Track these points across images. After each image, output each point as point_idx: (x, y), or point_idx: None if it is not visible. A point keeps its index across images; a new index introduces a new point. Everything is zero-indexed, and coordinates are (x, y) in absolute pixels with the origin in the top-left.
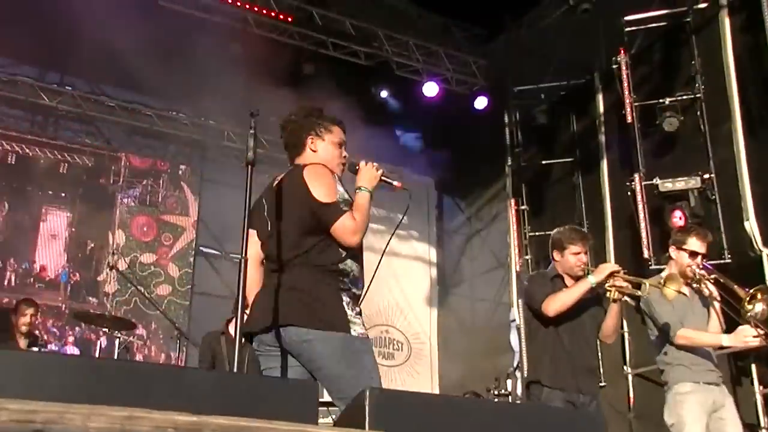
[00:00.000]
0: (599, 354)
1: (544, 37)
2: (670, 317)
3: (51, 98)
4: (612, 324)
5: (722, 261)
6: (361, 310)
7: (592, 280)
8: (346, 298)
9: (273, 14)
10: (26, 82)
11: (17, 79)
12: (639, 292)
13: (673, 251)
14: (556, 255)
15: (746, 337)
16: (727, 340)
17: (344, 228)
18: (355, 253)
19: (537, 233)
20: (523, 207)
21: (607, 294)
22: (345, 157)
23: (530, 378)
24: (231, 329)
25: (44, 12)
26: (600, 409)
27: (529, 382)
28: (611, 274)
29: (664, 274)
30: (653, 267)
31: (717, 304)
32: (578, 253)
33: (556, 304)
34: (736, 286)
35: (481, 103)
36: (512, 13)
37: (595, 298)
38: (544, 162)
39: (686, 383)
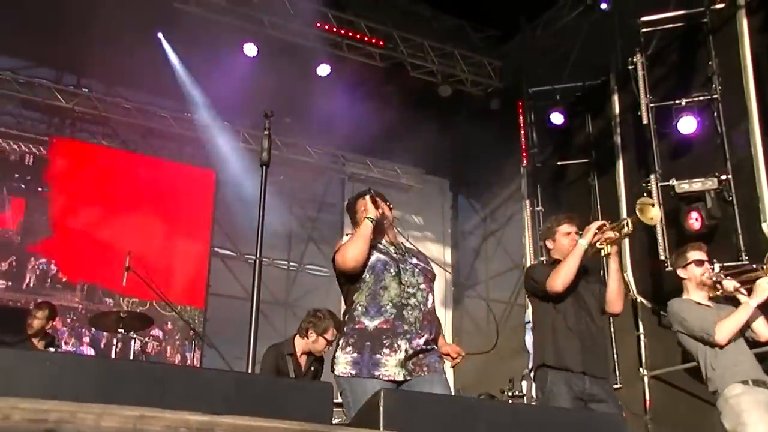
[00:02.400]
0: (612, 343)
1: (559, 38)
2: (702, 320)
3: (68, 100)
4: (614, 287)
5: (740, 263)
6: (356, 341)
7: (583, 242)
8: (342, 342)
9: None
10: (43, 84)
11: (35, 81)
12: (625, 230)
13: (681, 272)
14: (549, 244)
15: (763, 288)
16: (753, 300)
17: (337, 254)
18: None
19: None
20: (538, 208)
21: (602, 251)
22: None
23: (536, 363)
24: (298, 348)
25: (61, 15)
26: (620, 407)
27: (536, 368)
28: (598, 230)
29: (684, 296)
30: (669, 269)
31: (744, 290)
32: (568, 233)
33: (559, 277)
34: (751, 273)
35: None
36: (527, 14)
37: (595, 278)
38: (559, 163)
39: (735, 385)
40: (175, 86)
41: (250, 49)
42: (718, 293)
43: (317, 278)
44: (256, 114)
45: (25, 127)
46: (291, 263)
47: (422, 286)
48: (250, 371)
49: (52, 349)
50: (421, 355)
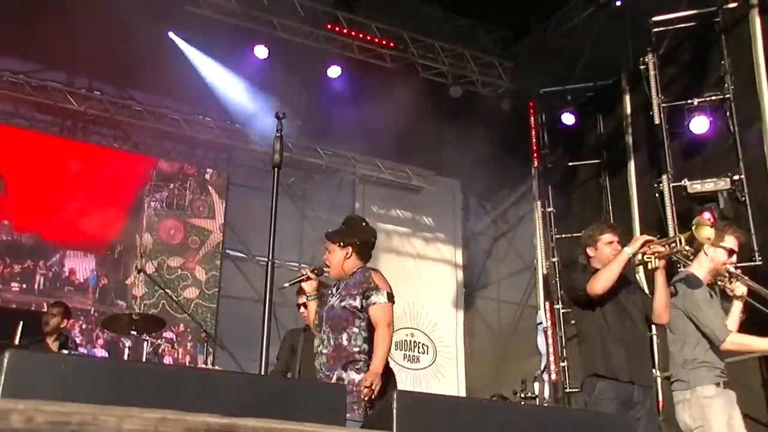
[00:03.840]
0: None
1: (570, 38)
2: (717, 320)
3: (80, 103)
4: (661, 299)
5: (752, 263)
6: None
7: (628, 250)
8: None
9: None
10: (55, 87)
11: (47, 84)
12: (676, 249)
13: (708, 248)
14: (590, 251)
15: None
16: None
17: None
18: None
19: (563, 235)
20: (549, 209)
21: (648, 265)
22: None
23: (586, 373)
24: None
25: (72, 17)
26: (653, 413)
27: (586, 377)
28: (645, 243)
29: (691, 269)
30: (682, 269)
31: (740, 303)
32: (611, 242)
33: (599, 281)
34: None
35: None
36: (538, 15)
37: (638, 288)
38: (570, 164)
39: (710, 386)
40: (186, 88)
41: (261, 52)
42: (720, 284)
43: (328, 280)
44: (267, 116)
45: (38, 130)
46: (302, 265)
47: (326, 330)
48: (263, 373)
49: (65, 351)
50: None
